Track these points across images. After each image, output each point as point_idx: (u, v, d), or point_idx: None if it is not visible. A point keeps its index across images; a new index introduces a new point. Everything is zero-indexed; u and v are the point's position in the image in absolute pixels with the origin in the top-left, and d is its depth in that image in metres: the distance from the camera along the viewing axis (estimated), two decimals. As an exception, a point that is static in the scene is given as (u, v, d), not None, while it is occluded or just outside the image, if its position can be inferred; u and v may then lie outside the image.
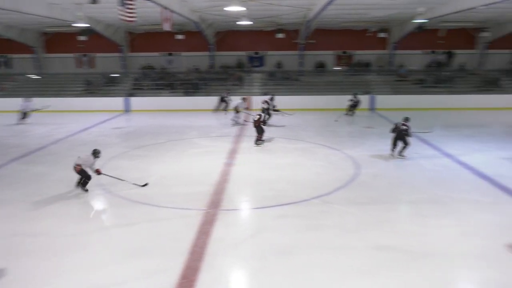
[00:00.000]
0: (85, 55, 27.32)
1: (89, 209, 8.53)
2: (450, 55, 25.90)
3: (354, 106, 19.47)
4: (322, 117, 19.29)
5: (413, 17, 19.88)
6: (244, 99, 18.01)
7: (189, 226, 7.32)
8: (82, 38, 23.31)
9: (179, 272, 5.75)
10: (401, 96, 21.71)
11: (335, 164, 11.37)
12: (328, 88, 22.97)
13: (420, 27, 20.94)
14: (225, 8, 15.25)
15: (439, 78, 23.77)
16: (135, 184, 9.43)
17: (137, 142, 14.30)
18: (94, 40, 24.72)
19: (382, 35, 24.54)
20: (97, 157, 9.11)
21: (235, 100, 19.04)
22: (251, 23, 20.96)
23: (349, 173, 10.42)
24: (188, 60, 26.69)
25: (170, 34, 24.03)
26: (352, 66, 26.00)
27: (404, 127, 11.74)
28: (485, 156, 12.02)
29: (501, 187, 9.31)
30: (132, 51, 27.12)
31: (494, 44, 24.83)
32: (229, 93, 22.08)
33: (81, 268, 5.94)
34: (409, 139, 11.82)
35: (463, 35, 25.40)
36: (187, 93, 23.54)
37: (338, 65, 26.48)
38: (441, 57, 26.01)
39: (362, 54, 26.18)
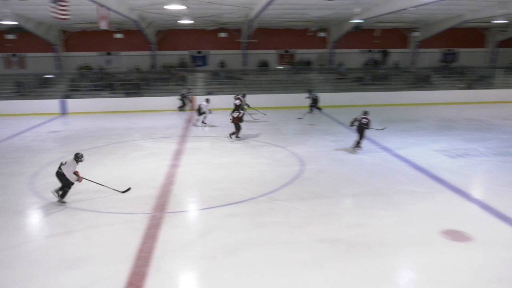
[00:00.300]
0: (14, 55, 25.59)
1: (24, 219, 7.99)
2: (385, 53, 27.21)
3: (314, 103, 19.95)
4: (267, 116, 19.49)
5: (350, 18, 20.68)
6: (207, 100, 17.52)
7: (134, 231, 7.10)
8: (10, 36, 21.81)
9: (125, 279, 5.56)
10: (341, 94, 22.50)
11: (280, 162, 11.54)
12: (272, 87, 23.27)
13: (357, 27, 21.80)
14: (165, 7, 14.94)
15: (375, 76, 24.91)
16: (116, 190, 9.03)
17: (76, 146, 13.63)
18: (24, 38, 23.26)
19: (322, 34, 25.27)
20: (80, 161, 8.47)
21: (200, 101, 18.30)
22: (193, 22, 20.74)
23: (294, 170, 10.62)
24: (128, 60, 25.87)
25: (108, 32, 23.17)
26: (294, 64, 26.52)
27: (365, 120, 12.36)
28: (419, 149, 12.76)
29: (434, 178, 9.92)
30: (67, 50, 25.78)
31: (425, 43, 26.44)
32: (189, 91, 21.81)
33: (12, 285, 5.56)
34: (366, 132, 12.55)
35: (396, 34, 26.79)
36: (128, 94, 22.81)
37: (280, 64, 26.90)
38: (377, 56, 27.26)
39: (303, 53, 26.78)
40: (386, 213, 7.87)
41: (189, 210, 8.41)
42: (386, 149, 12.81)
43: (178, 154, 12.53)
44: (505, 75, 24.62)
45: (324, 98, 21.52)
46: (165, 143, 14.11)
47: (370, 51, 27.18)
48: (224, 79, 24.51)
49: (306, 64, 26.52)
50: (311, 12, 20.61)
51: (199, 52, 26.58)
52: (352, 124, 12.52)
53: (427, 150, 12.60)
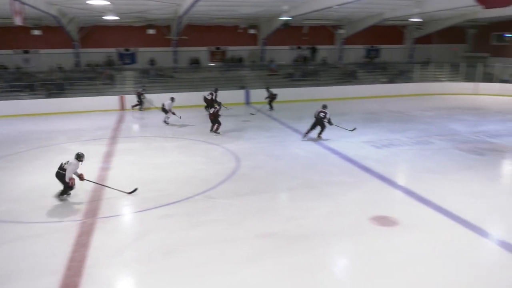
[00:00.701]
0: None
1: None
2: (313, 50, 28.12)
3: (271, 99, 20.12)
4: (200, 114, 19.31)
5: (279, 15, 21.08)
6: (172, 98, 16.96)
7: (64, 240, 6.70)
8: None
9: (55, 292, 5.24)
10: (273, 90, 22.88)
11: (215, 159, 11.50)
12: (204, 84, 23.07)
13: (286, 24, 22.30)
14: (88, 1, 14.20)
15: (305, 72, 25.68)
16: (121, 191, 8.68)
17: (-7, 153, 12.54)
18: None
19: (252, 31, 25.53)
20: (81, 161, 8.35)
21: (165, 100, 17.33)
22: (118, 18, 19.93)
23: (230, 167, 10.64)
24: (49, 58, 24.20)
25: (25, 29, 21.53)
26: (226, 61, 26.53)
27: (322, 114, 13.45)
28: (349, 141, 13.37)
29: (363, 168, 10.46)
30: (-23, 48, 23.57)
31: (350, 40, 27.72)
32: (144, 89, 21.02)
33: None
34: (326, 123, 13.56)
35: (324, 32, 27.80)
36: (50, 95, 21.37)
37: (212, 61, 26.76)
38: (306, 52, 28.09)
39: (235, 50, 26.87)
40: (320, 205, 8.16)
41: (123, 213, 8.11)
42: (318, 142, 13.26)
43: (109, 156, 12.01)
44: (422, 70, 26.55)
45: (257, 94, 21.77)
46: (94, 145, 13.44)
47: (299, 47, 27.94)
48: (155, 77, 23.87)
49: (238, 61, 26.65)
50: (240, 9, 20.72)
51: (127, 50, 25.62)
52: (314, 116, 13.60)
53: (356, 142, 13.24)
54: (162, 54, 25.55)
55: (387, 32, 28.62)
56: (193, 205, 8.20)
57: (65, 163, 8.27)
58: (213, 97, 18.54)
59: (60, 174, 8.21)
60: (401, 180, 9.87)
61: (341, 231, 7.01)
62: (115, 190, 8.75)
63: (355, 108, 20.33)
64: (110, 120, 18.21)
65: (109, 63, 24.93)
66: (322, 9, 18.94)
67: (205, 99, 19.48)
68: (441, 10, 20.76)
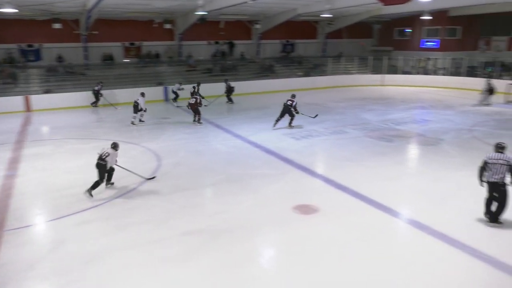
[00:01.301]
0: None
1: None
2: (231, 45, 28.21)
3: (229, 92, 20.16)
4: (118, 112, 18.45)
5: (194, 9, 20.78)
6: (143, 94, 15.84)
7: (-37, 258, 6.00)
8: None
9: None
10: (192, 86, 22.61)
11: (135, 159, 11.06)
12: (119, 82, 22.05)
13: (202, 19, 22.06)
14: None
15: (224, 67, 25.69)
16: (142, 177, 9.13)
17: None
18: None
19: (168, 26, 24.85)
20: (117, 150, 8.65)
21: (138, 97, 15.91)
22: (16, 11, 18.21)
23: (151, 166, 10.32)
24: None
25: None
26: (141, 57, 25.58)
27: (289, 102, 14.25)
28: (269, 134, 13.66)
29: (284, 159, 10.76)
30: None
31: (266, 35, 28.23)
32: (101, 85, 19.62)
33: None
34: (294, 112, 14.27)
35: (241, 26, 27.99)
36: None
37: (126, 57, 25.64)
38: (224, 47, 28.11)
39: (151, 45, 26.00)
40: (244, 198, 8.24)
41: (34, 223, 7.49)
42: (239, 136, 13.37)
43: (14, 162, 10.98)
44: (334, 63, 27.95)
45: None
46: (-3, 151, 12.22)
47: (217, 42, 27.85)
48: (64, 75, 22.27)
49: (155, 57, 25.85)
50: (154, 3, 20.06)
51: (30, 46, 23.53)
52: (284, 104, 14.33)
53: (276, 134, 13.56)
54: (71, 50, 23.87)
55: (301, 27, 29.64)
56: (113, 209, 7.83)
57: (104, 154, 8.32)
58: (194, 90, 18.82)
59: (101, 164, 8.29)
60: (320, 169, 10.33)
61: (266, 222, 7.15)
62: (142, 177, 9.28)
63: (274, 102, 20.72)
64: (14, 123, 16.65)
65: (10, 61, 22.74)
66: (237, 4, 19.05)
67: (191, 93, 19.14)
68: (349, 6, 22.01)
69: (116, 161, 8.62)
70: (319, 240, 6.53)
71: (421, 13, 23.82)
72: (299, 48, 30.37)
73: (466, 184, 8.91)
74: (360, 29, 30.56)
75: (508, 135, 13.07)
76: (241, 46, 28.40)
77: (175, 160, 10.83)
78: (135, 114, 15.56)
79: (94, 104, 19.83)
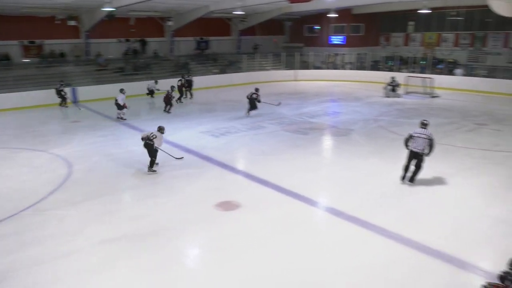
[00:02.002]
0: None
1: None
2: (143, 43, 27.27)
3: (188, 86, 20.25)
4: (19, 117, 16.87)
5: (101, 5, 19.72)
6: (122, 90, 15.43)
7: None
8: None
9: None
10: (104, 86, 21.45)
11: (42, 167, 10.22)
12: (19, 84, 20.19)
13: (111, 15, 21.02)
14: None
15: (137, 65, 24.75)
16: (172, 156, 10.04)
17: None
18: None
19: (72, 23, 23.25)
20: (163, 133, 9.70)
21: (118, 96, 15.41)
22: None
23: (61, 173, 9.61)
24: None
25: None
26: (44, 57, 23.65)
27: (255, 95, 15.54)
28: (188, 132, 13.48)
29: (204, 157, 10.70)
30: None
31: (179, 32, 27.73)
32: (62, 84, 18.14)
33: None
34: (259, 105, 15.67)
35: (152, 24, 27.14)
36: None
37: (26, 56, 23.54)
38: (136, 45, 27.09)
39: (54, 44, 24.14)
40: (165, 199, 8.06)
41: None
42: (157, 137, 12.99)
43: None
44: (248, 60, 28.35)
45: (86, 91, 20.15)
46: None
47: (128, 40, 26.74)
48: (-48, 78, 19.83)
49: (60, 56, 24.08)
50: (54, -2, 18.68)
51: None
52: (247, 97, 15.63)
53: (194, 132, 13.42)
54: (-42, 50, 21.34)
55: (215, 24, 29.60)
56: (21, 222, 7.17)
57: (152, 136, 9.34)
58: (181, 84, 19.77)
59: (149, 144, 9.33)
60: (240, 165, 10.44)
61: (189, 222, 7.06)
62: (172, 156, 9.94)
63: (190, 100, 20.54)
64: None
65: None
66: (146, 0, 18.44)
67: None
68: (259, 4, 22.43)
69: (160, 143, 9.59)
70: (243, 235, 6.61)
71: (328, 11, 25.10)
72: (214, 45, 30.32)
73: (375, 170, 9.62)
74: (273, 26, 31.38)
75: (408, 123, 14.32)
76: (154, 43, 27.60)
77: (88, 166, 10.21)
78: (119, 111, 15.57)
79: (64, 104, 18.52)
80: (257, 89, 16.07)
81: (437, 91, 20.32)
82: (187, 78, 20.81)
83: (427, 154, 8.36)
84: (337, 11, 25.26)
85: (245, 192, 8.39)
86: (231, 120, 15.25)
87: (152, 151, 9.39)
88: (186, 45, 28.91)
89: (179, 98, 19.57)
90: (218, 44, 30.40)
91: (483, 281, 4.10)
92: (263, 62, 29.16)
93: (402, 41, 29.51)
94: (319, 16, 29.05)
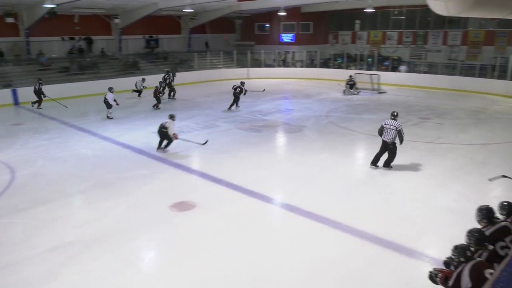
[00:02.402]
0: None
1: None
2: (89, 41, 26.24)
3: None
4: None
5: (41, 2, 18.73)
6: (111, 89, 15.41)
7: None
8: None
9: None
10: (48, 86, 20.39)
11: (-18, 173, 9.59)
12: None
13: (53, 12, 20.03)
14: None
15: (83, 65, 23.78)
16: (198, 143, 11.02)
17: None
18: None
19: (10, 20, 21.90)
20: (174, 120, 10.80)
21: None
22: None
23: (2, 180, 9.04)
24: None
25: None
26: (-21, 56, 22.15)
27: (238, 89, 16.40)
28: (138, 133, 13.13)
29: (156, 158, 10.48)
30: None
31: (127, 30, 26.92)
32: (41, 83, 16.99)
33: None
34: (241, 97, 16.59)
35: (98, 21, 26.13)
36: None
37: (-40, 56, 21.95)
38: (81, 44, 26.01)
39: (-10, 42, 22.68)
40: (116, 202, 7.81)
41: None
42: (106, 138, 12.56)
43: None
44: (200, 58, 28.08)
45: (28, 93, 19.09)
46: None
47: (72, 38, 25.60)
48: None
49: (-3, 56, 22.64)
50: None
51: None
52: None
53: (146, 133, 13.09)
54: None
55: (165, 22, 29.00)
56: (-44, 234, 6.68)
57: (165, 124, 10.52)
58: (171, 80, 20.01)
59: (163, 132, 10.57)
60: (194, 165, 10.33)
61: (143, 224, 6.89)
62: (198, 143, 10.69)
63: (141, 99, 20.03)
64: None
65: None
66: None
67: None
68: (209, 2, 22.22)
69: (173, 130, 10.67)
70: (198, 234, 6.54)
71: (278, 9, 25.38)
72: (164, 43, 29.73)
73: (327, 165, 9.86)
74: (223, 24, 31.24)
75: (357, 118, 14.82)
76: (101, 42, 26.62)
77: (33, 171, 9.68)
78: (109, 109, 15.40)
79: (37, 104, 17.40)
80: (242, 83, 16.73)
81: (384, 87, 21.14)
82: (170, 75, 20.52)
83: (400, 143, 9.18)
84: (286, 9, 25.59)
85: (200, 192, 8.32)
86: (184, 119, 15.03)
87: (165, 136, 10.67)
88: (135, 43, 28.13)
89: (171, 94, 20.02)
90: (169, 42, 29.85)
91: (430, 268, 4.30)
92: (214, 60, 29.00)
93: (350, 39, 30.42)
94: (269, 14, 29.31)
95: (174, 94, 20.08)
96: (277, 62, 29.25)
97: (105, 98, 15.24)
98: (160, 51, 29.01)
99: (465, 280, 3.49)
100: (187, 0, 20.58)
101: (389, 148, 9.12)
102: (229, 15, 28.76)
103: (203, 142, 11.33)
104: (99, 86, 20.27)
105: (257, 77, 27.11)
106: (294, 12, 27.97)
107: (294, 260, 5.78)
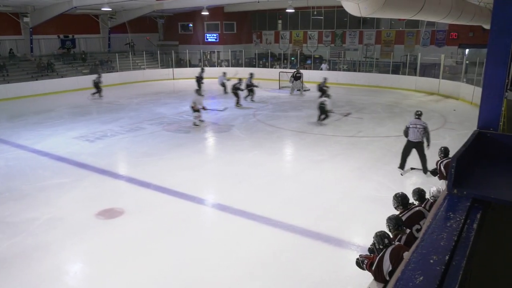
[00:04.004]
0: None
1: None
2: (-4, 41, 24.06)
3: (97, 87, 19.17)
4: None
5: None
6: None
7: None
8: None
9: None
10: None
11: None
12: None
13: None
14: None
15: (-11, 67, 21.76)
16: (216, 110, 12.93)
17: None
18: None
19: None
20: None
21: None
22: None
23: None
24: None
25: None
26: None
27: (238, 85, 16.99)
28: (57, 139, 12.31)
29: (79, 165, 9.90)
30: None
31: (40, 29, 25.04)
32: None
33: None
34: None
35: (5, 20, 24.00)
36: None
37: None
38: (-14, 44, 23.76)
39: None
40: (35, 214, 7.24)
41: None
42: (20, 146, 11.61)
43: None
44: (122, 59, 27.01)
45: None
46: None
47: (-26, 38, 23.32)
48: None
49: None
50: None
51: None
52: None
53: (66, 138, 12.33)
54: None
55: (81, 21, 27.44)
56: None
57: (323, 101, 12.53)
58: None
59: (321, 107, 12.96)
60: (121, 169, 9.93)
61: (67, 236, 6.47)
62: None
63: (59, 103, 18.77)
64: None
65: None
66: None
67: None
68: (127, 0, 21.38)
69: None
70: (128, 242, 6.29)
71: (201, 8, 25.19)
72: (81, 43, 28.14)
73: (256, 162, 10.00)
74: (145, 23, 30.35)
75: (284, 116, 15.24)
76: (9, 42, 24.52)
77: None
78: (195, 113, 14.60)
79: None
80: (241, 79, 17.45)
81: (307, 85, 21.92)
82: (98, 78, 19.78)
83: (427, 143, 8.60)
84: (209, 9, 25.49)
85: (128, 197, 8.01)
86: (108, 123, 14.38)
87: (324, 111, 12.99)
88: (49, 43, 26.29)
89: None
90: (87, 42, 28.29)
91: (357, 255, 4.55)
92: (137, 61, 28.08)
93: (273, 39, 31.11)
94: (193, 14, 29.02)
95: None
96: (202, 62, 29.06)
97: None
98: (78, 51, 27.41)
99: (386, 264, 3.74)
100: (103, -1, 19.66)
101: (418, 149, 8.61)
102: (150, 14, 28.00)
103: (222, 109, 12.06)
104: (8, 90, 18.69)
105: (183, 78, 26.71)
106: (217, 11, 27.97)
107: (229, 259, 5.79)
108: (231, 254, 5.91)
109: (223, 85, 20.60)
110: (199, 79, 20.91)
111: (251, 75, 18.55)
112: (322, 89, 16.08)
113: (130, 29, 29.77)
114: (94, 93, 19.42)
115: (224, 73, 20.77)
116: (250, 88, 18.08)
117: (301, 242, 6.26)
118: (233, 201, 7.59)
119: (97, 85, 19.36)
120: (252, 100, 18.02)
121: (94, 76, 20.14)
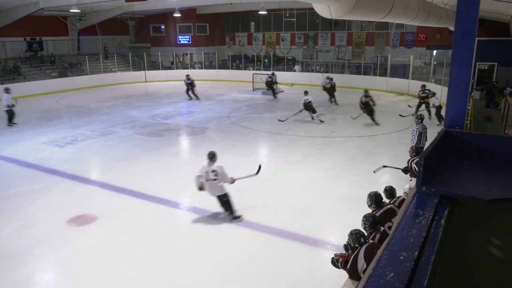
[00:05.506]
0: None
1: None
2: (-43, 44, 23.14)
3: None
4: None
5: None
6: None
7: None
8: None
9: None
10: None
11: None
12: None
13: None
14: None
15: (-49, 71, 20.90)
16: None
17: None
18: None
19: None
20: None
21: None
22: None
23: None
24: None
25: None
26: None
27: (269, 79, 18.65)
28: (26, 144, 11.93)
29: (48, 171, 9.63)
30: None
31: (4, 31, 24.17)
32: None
33: None
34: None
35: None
36: None
37: None
38: None
39: None
40: (3, 224, 7.00)
41: None
42: (-14, 153, 11.21)
43: None
44: (92, 61, 26.44)
45: None
46: None
47: None
48: None
49: None
50: None
51: None
52: None
53: (35, 144, 11.97)
54: None
55: (49, 23, 26.70)
56: None
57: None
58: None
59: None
60: (93, 175, 9.72)
61: (37, 245, 6.28)
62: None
63: (26, 108, 18.21)
64: None
65: None
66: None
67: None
68: (97, 2, 20.96)
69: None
70: (102, 248, 6.16)
71: (173, 10, 24.98)
72: (49, 46, 27.39)
73: (231, 164, 9.92)
74: (116, 25, 29.81)
75: (258, 118, 15.28)
76: (-28, 45, 23.65)
77: None
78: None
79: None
80: (273, 73, 19.76)
81: (281, 87, 22.04)
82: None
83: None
84: (181, 10, 25.32)
85: (100, 203, 7.84)
86: (78, 127, 14.06)
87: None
88: (15, 46, 25.46)
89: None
90: (55, 44, 27.57)
91: (332, 254, 4.60)
92: (108, 64, 27.57)
93: (246, 41, 31.17)
94: (165, 16, 28.75)
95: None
96: (175, 64, 28.81)
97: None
98: (46, 54, 26.67)
99: (361, 262, 3.81)
100: (72, 0, 19.20)
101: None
102: (121, 15, 27.55)
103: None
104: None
105: (156, 80, 26.47)
106: (189, 13, 27.81)
107: (207, 262, 5.76)
108: (208, 258, 5.88)
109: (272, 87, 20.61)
110: (270, 84, 20.31)
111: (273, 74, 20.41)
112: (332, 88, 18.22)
113: (100, 31, 29.19)
114: None
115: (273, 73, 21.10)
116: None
117: (277, 242, 6.29)
118: (208, 204, 7.53)
119: None
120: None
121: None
